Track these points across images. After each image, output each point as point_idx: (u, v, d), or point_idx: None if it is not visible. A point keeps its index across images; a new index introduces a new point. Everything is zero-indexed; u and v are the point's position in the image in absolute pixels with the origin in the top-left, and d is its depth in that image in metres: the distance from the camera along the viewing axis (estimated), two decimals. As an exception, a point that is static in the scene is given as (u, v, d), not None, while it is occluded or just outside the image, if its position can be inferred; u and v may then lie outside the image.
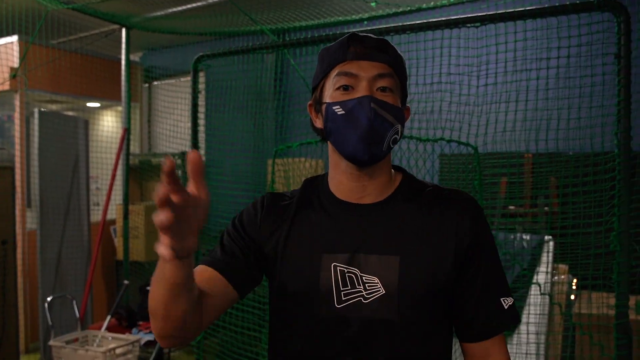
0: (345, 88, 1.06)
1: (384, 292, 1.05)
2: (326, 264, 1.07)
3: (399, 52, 1.13)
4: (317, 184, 1.19)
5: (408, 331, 1.06)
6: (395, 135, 1.08)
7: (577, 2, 2.23)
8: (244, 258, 1.12)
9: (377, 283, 1.05)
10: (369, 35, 1.10)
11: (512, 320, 1.12)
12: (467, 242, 1.08)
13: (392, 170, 1.17)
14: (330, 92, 1.09)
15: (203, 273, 1.09)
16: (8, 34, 4.18)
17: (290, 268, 1.10)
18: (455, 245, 1.08)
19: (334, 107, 1.07)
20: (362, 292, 1.06)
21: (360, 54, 1.07)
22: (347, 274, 1.06)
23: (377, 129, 1.04)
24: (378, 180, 1.12)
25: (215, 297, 1.07)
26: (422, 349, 1.08)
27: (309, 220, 1.13)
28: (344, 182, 1.12)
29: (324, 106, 1.10)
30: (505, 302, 1.11)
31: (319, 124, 1.15)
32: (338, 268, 1.07)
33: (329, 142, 1.14)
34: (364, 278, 1.06)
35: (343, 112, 1.05)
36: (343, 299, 1.06)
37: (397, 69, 1.10)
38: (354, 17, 3.69)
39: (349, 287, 1.06)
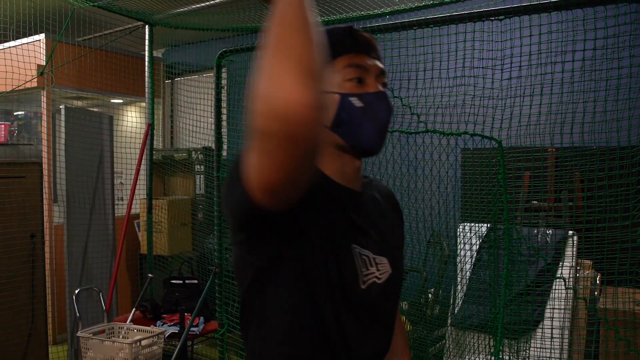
0: (360, 81, 1.07)
1: (391, 271, 1.13)
2: (346, 247, 1.07)
3: None
4: None
5: (398, 303, 1.22)
6: None
7: (604, -7, 2.20)
8: None
9: (386, 263, 1.12)
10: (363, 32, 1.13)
11: None
12: (402, 225, 1.29)
13: None
14: (338, 82, 1.07)
15: None
16: (35, 32, 4.26)
17: (312, 254, 1.01)
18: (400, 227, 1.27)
19: (351, 99, 1.06)
20: (375, 272, 1.10)
21: (366, 48, 1.09)
22: (363, 256, 1.09)
23: (388, 124, 1.10)
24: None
25: None
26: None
27: (319, 204, 1.05)
28: (346, 171, 1.12)
29: (327, 96, 1.04)
30: None
31: None
32: (357, 250, 1.08)
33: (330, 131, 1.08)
34: (376, 260, 1.11)
35: (361, 104, 1.06)
36: (364, 279, 1.08)
37: None
38: (376, 11, 3.69)
39: (366, 270, 1.09)
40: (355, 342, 1.07)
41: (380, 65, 1.10)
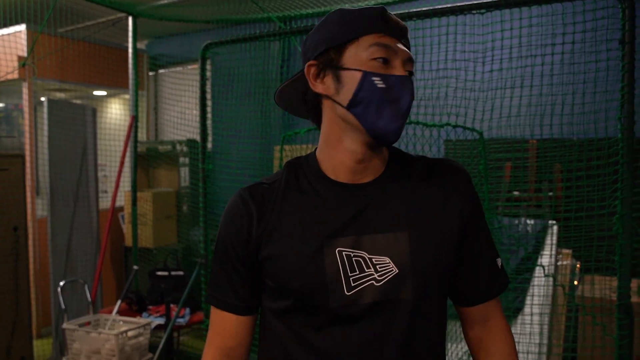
0: (385, 61, 1.01)
1: (397, 271, 1.01)
2: (330, 251, 1.01)
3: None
4: (301, 166, 1.11)
5: (421, 309, 1.03)
6: None
7: (582, -12, 2.25)
8: (253, 282, 1.11)
9: (389, 263, 1.01)
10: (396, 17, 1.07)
11: (506, 279, 1.16)
12: (469, 208, 1.09)
13: None
14: (363, 60, 1.01)
15: (228, 323, 1.11)
16: (17, 22, 4.21)
17: (290, 262, 1.03)
18: (460, 214, 1.07)
19: (373, 78, 1.00)
20: (373, 274, 1.00)
21: (396, 32, 1.03)
22: (353, 259, 1.01)
23: (408, 111, 1.03)
24: (378, 159, 1.08)
25: (250, 335, 1.14)
26: (434, 326, 1.07)
27: (301, 205, 1.06)
28: (345, 162, 1.06)
29: (348, 72, 1.02)
30: (499, 262, 1.14)
31: (320, 88, 1.06)
32: (344, 253, 1.01)
33: (336, 115, 1.05)
34: (373, 260, 1.01)
35: (384, 86, 1.00)
36: (352, 285, 1.00)
37: None
38: (360, 4, 3.71)
39: (358, 272, 1.01)
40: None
41: (408, 52, 1.04)
